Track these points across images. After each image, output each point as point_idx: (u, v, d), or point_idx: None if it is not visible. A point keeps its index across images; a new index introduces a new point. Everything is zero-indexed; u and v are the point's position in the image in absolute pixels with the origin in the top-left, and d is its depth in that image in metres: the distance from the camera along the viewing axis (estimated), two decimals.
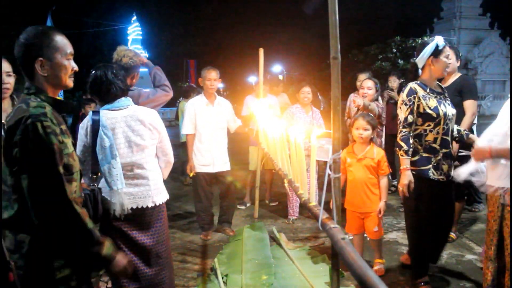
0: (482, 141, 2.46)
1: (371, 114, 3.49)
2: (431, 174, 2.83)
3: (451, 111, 2.85)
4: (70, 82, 1.67)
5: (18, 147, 1.45)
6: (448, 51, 2.87)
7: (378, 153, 3.25)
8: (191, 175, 4.16)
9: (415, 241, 2.99)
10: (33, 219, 1.48)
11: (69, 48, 1.64)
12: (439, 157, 2.83)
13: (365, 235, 3.42)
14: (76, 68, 1.67)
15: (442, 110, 2.80)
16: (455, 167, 2.79)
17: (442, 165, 2.83)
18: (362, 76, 5.07)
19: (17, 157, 1.46)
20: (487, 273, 2.55)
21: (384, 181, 3.24)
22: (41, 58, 1.56)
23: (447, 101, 2.89)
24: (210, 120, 4.15)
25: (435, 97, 2.86)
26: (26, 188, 1.46)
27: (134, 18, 40.85)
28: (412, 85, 2.88)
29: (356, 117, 3.37)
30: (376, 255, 3.37)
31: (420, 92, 2.83)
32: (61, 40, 1.61)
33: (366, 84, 4.32)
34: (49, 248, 1.53)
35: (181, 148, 7.18)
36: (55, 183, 1.49)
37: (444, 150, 2.83)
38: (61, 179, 1.50)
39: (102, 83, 2.31)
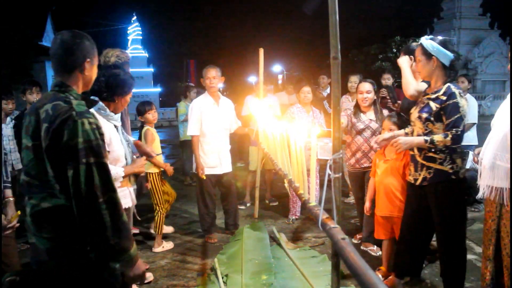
0: (486, 156, 2.45)
1: (402, 114, 3.22)
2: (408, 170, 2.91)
3: (415, 115, 2.72)
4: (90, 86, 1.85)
5: (67, 142, 1.54)
6: (417, 54, 2.72)
7: (406, 155, 3.05)
8: (203, 177, 4.07)
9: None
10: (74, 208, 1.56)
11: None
12: (409, 158, 2.84)
13: None
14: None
15: (410, 112, 2.82)
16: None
17: (410, 166, 2.81)
18: (353, 78, 4.93)
19: (66, 151, 1.54)
20: (486, 273, 2.54)
21: None
22: (88, 59, 1.73)
23: (420, 106, 2.74)
24: (216, 120, 4.09)
25: (420, 99, 2.82)
26: (72, 179, 1.53)
27: (134, 18, 40.90)
28: None
29: (384, 118, 3.26)
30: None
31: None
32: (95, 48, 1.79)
33: (364, 87, 3.74)
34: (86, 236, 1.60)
35: (180, 148, 7.18)
36: (105, 173, 1.58)
37: (410, 152, 2.79)
38: (108, 170, 1.61)
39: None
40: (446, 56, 2.59)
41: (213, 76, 4.06)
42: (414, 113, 2.73)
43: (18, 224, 2.50)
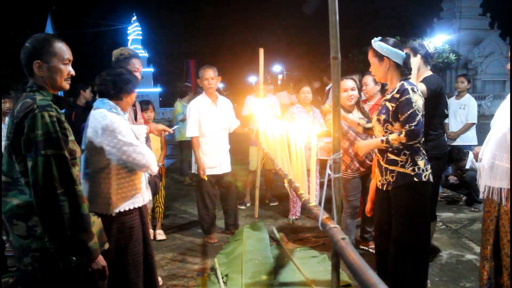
0: (486, 156, 2.44)
1: None
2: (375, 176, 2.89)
3: (374, 118, 2.72)
4: (65, 85, 1.82)
5: (27, 134, 1.59)
6: (369, 57, 2.71)
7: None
8: (205, 178, 4.07)
9: None
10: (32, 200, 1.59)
11: (67, 55, 1.80)
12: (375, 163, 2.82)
13: None
14: (72, 72, 1.83)
15: (372, 117, 2.81)
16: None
17: (377, 171, 2.76)
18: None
19: (26, 142, 1.60)
20: (483, 273, 2.53)
21: None
22: (38, 61, 1.72)
23: (379, 107, 2.73)
24: (214, 121, 4.08)
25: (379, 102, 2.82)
26: (31, 170, 1.58)
27: (134, 18, 40.92)
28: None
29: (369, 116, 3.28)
30: None
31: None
32: (60, 47, 1.77)
33: (347, 84, 3.54)
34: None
35: (178, 148, 7.18)
36: (64, 165, 1.62)
37: (375, 157, 2.73)
38: (67, 162, 1.64)
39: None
40: (398, 55, 2.58)
41: (211, 76, 4.04)
42: (374, 116, 2.71)
43: None
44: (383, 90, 3.83)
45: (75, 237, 1.62)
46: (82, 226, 1.64)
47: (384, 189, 2.67)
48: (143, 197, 2.41)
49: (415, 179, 2.54)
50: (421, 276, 2.67)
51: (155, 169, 2.35)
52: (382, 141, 2.54)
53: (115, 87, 2.32)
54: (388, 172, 2.61)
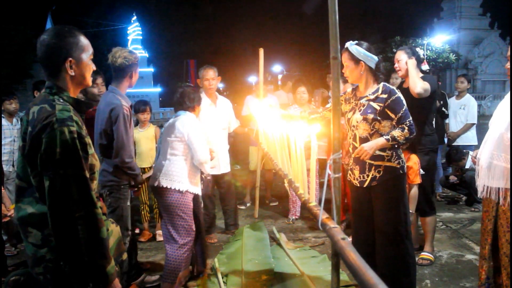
0: (483, 156, 2.45)
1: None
2: (348, 175, 2.88)
3: (358, 118, 2.66)
4: (90, 81, 1.72)
5: (44, 151, 1.46)
6: (344, 59, 2.73)
7: (408, 159, 3.05)
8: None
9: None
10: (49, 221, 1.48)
11: (91, 48, 1.68)
12: (351, 161, 2.80)
13: None
14: (94, 67, 1.71)
15: (347, 117, 2.79)
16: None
17: (353, 169, 2.77)
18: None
19: (43, 160, 1.47)
20: (481, 272, 2.54)
21: (412, 191, 3.09)
22: (70, 58, 1.58)
23: (360, 108, 2.69)
24: (213, 121, 4.09)
25: (351, 102, 2.80)
26: (48, 190, 1.46)
27: (134, 18, 40.95)
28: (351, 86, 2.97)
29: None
30: None
31: (347, 95, 2.86)
32: (84, 40, 1.65)
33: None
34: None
35: None
36: (83, 185, 1.51)
37: (355, 155, 2.72)
38: (87, 183, 1.52)
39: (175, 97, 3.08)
40: (372, 59, 2.65)
41: (212, 77, 4.05)
42: (355, 117, 2.69)
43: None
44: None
45: (93, 263, 1.52)
46: (100, 251, 1.53)
47: (366, 186, 2.70)
48: (200, 187, 3.07)
49: (401, 171, 2.67)
50: (412, 264, 2.74)
51: (207, 168, 2.96)
52: (388, 140, 2.57)
53: (190, 101, 3.04)
54: (374, 167, 2.66)
